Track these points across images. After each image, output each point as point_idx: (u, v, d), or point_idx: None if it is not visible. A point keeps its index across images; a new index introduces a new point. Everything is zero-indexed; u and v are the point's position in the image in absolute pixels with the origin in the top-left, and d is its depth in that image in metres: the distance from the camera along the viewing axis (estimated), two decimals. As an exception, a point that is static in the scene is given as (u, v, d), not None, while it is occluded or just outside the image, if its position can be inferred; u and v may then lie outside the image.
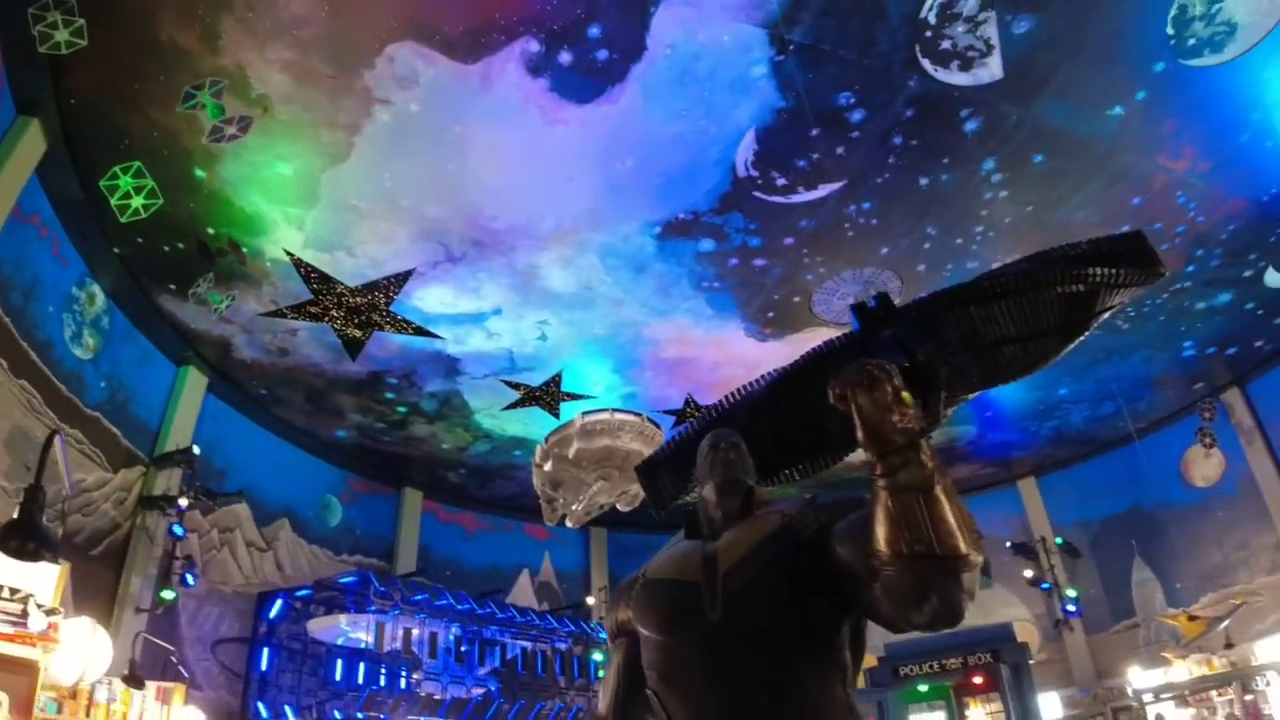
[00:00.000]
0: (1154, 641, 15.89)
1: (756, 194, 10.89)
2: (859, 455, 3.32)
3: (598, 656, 17.12)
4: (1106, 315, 3.33)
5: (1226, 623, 13.73)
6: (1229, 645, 13.52)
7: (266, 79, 9.52)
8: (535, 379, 14.56)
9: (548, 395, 14.89)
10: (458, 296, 12.62)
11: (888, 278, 12.12)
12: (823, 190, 10.85)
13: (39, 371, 9.73)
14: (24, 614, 4.77)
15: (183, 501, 11.35)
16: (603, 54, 9.29)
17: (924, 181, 10.82)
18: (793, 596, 2.36)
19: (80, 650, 5.17)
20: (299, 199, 10.96)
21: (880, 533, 1.98)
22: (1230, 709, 12.17)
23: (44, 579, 5.21)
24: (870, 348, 2.91)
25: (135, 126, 9.77)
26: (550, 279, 12.37)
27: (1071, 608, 16.38)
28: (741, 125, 10.03)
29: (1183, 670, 13.28)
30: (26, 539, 4.22)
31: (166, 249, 11.33)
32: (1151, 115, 10.15)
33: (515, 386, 14.76)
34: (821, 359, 3.29)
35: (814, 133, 9.82)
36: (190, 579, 11.39)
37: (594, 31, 9.10)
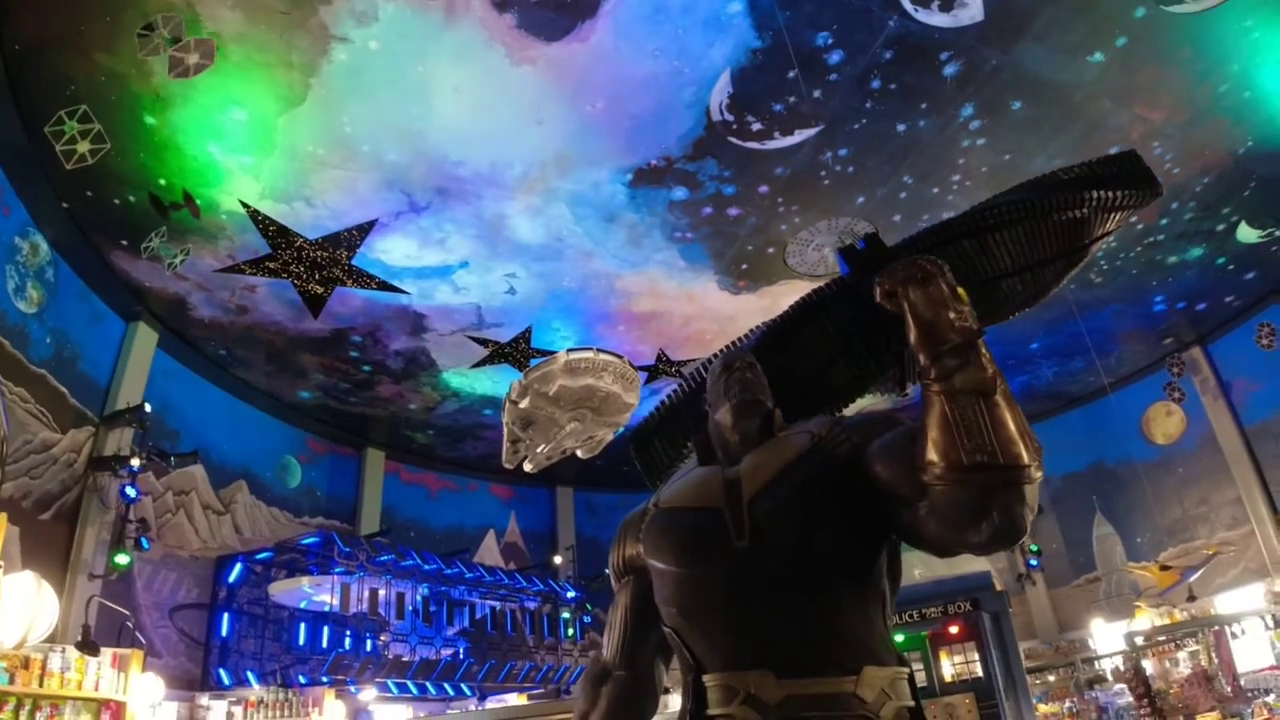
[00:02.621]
0: (1114, 595, 16.19)
1: (731, 139, 10.59)
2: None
3: (566, 615, 17.01)
4: (1103, 240, 3.15)
5: (1200, 572, 13.89)
6: (1191, 598, 13.69)
7: (218, 15, 9.00)
8: (504, 334, 14.23)
9: (517, 352, 14.57)
10: (423, 249, 12.24)
11: (863, 227, 11.90)
12: (799, 136, 10.57)
13: None
14: None
15: (135, 462, 10.86)
16: (572, -12, 8.90)
17: (901, 128, 10.59)
18: (827, 520, 2.17)
19: (23, 608, 4.78)
20: (254, 146, 10.48)
21: (934, 443, 1.81)
22: (1197, 660, 12.28)
23: None
24: (861, 293, 2.73)
25: (81, 70, 9.23)
26: (518, 230, 12.01)
27: (1034, 562, 16.54)
28: (716, 66, 9.70)
29: (1144, 622, 13.41)
30: None
31: (117, 201, 10.81)
32: (1130, 62, 9.98)
33: (484, 343, 14.42)
34: (809, 309, 3.11)
35: (791, 74, 9.51)
36: (145, 543, 10.96)
37: (562, -37, 8.71)
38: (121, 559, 10.60)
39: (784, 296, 13.12)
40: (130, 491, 10.86)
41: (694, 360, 14.97)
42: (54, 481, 10.51)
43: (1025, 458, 1.76)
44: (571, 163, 10.98)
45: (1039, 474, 1.80)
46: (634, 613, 2.61)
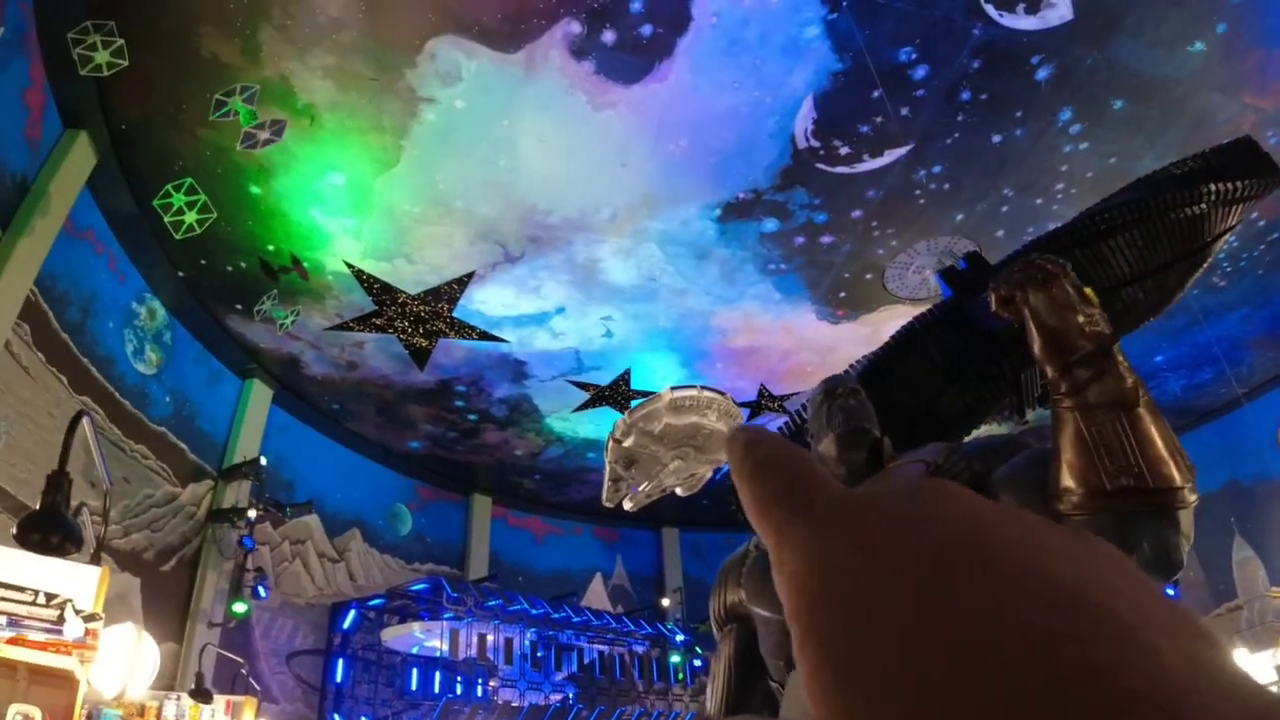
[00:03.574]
0: (1258, 624, 14.88)
1: (819, 165, 10.38)
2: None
3: (675, 659, 16.69)
4: (1226, 237, 2.87)
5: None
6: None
7: (310, 87, 9.45)
8: (603, 378, 14.26)
9: (617, 394, 14.56)
10: (519, 297, 12.41)
11: (964, 246, 11.44)
12: (889, 156, 10.28)
13: (100, 387, 9.79)
14: (60, 620, 4.53)
15: (252, 513, 11.33)
16: (647, 29, 8.95)
17: (997, 139, 10.17)
18: None
19: (122, 659, 4.91)
20: (353, 208, 10.89)
21: (1069, 467, 1.61)
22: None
23: (83, 583, 4.99)
24: (968, 315, 2.56)
25: (184, 144, 9.81)
26: (611, 272, 12.05)
27: (1170, 591, 15.30)
28: (798, 93, 9.56)
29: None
30: (49, 531, 3.92)
31: (229, 268, 11.40)
32: (1234, 49, 9.37)
33: (584, 387, 14.48)
34: (911, 337, 2.92)
35: (875, 94, 9.28)
36: (262, 591, 11.36)
37: (636, 6, 8.76)
38: (239, 607, 11.01)
39: (886, 323, 12.70)
40: (248, 542, 11.33)
41: (797, 394, 14.64)
42: (175, 534, 11.05)
43: (1178, 478, 1.57)
44: (659, 202, 10.97)
45: (1194, 497, 1.59)
46: (738, 664, 2.45)
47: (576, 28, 8.99)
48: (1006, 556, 0.30)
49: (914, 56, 9.16)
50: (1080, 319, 1.64)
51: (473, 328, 12.92)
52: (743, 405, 14.56)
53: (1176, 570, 1.64)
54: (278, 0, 8.74)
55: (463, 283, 12.12)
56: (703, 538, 19.20)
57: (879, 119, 9.76)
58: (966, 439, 2.85)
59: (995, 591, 0.28)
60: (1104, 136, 10.21)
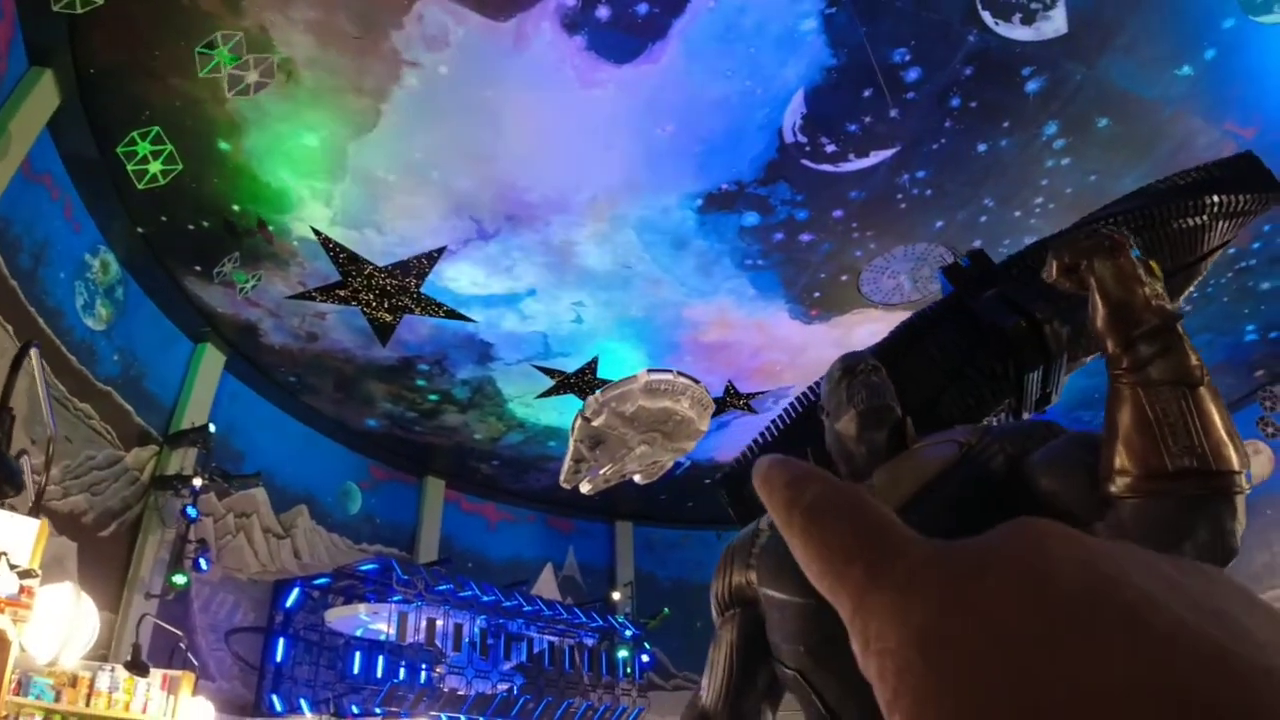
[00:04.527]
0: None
1: (804, 162, 10.30)
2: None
3: (623, 653, 16.56)
4: (1219, 252, 2.83)
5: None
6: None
7: (290, 40, 9.12)
8: (570, 364, 14.06)
9: (583, 382, 14.37)
10: (490, 276, 12.16)
11: (941, 254, 11.46)
12: (875, 158, 10.24)
13: (47, 339, 9.33)
14: None
15: (197, 482, 10.91)
16: (643, 8, 8.77)
17: (982, 148, 10.18)
18: None
19: (59, 621, 4.58)
20: (326, 172, 10.57)
21: (1127, 446, 1.53)
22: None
23: (19, 535, 4.65)
24: (973, 313, 2.49)
25: (155, 93, 9.42)
26: (586, 256, 11.87)
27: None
28: (789, 86, 9.46)
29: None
30: None
31: (191, 227, 11.00)
32: (1220, 76, 9.49)
33: (550, 373, 14.26)
34: (912, 336, 2.82)
35: (866, 94, 9.23)
36: (204, 564, 10.97)
37: (633, -17, 8.60)
38: (179, 579, 10.59)
39: (857, 327, 12.72)
40: (191, 511, 10.90)
41: (764, 393, 14.59)
42: (115, 498, 10.60)
43: (1236, 462, 1.48)
44: (641, 188, 10.81)
45: (1247, 485, 1.51)
46: (741, 651, 2.29)
47: (570, 1, 8.80)
48: (1144, 610, 0.27)
49: (908, 58, 9.12)
50: (1145, 291, 1.57)
51: (440, 305, 12.64)
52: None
53: (1232, 557, 1.56)
54: (263, -53, 8.43)
55: (433, 258, 11.84)
56: (657, 533, 19.12)
57: (868, 119, 9.72)
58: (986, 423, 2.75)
59: (1145, 654, 0.26)
60: (1087, 153, 10.27)
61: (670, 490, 15.78)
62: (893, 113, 9.59)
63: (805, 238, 11.45)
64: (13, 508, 5.15)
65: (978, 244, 11.32)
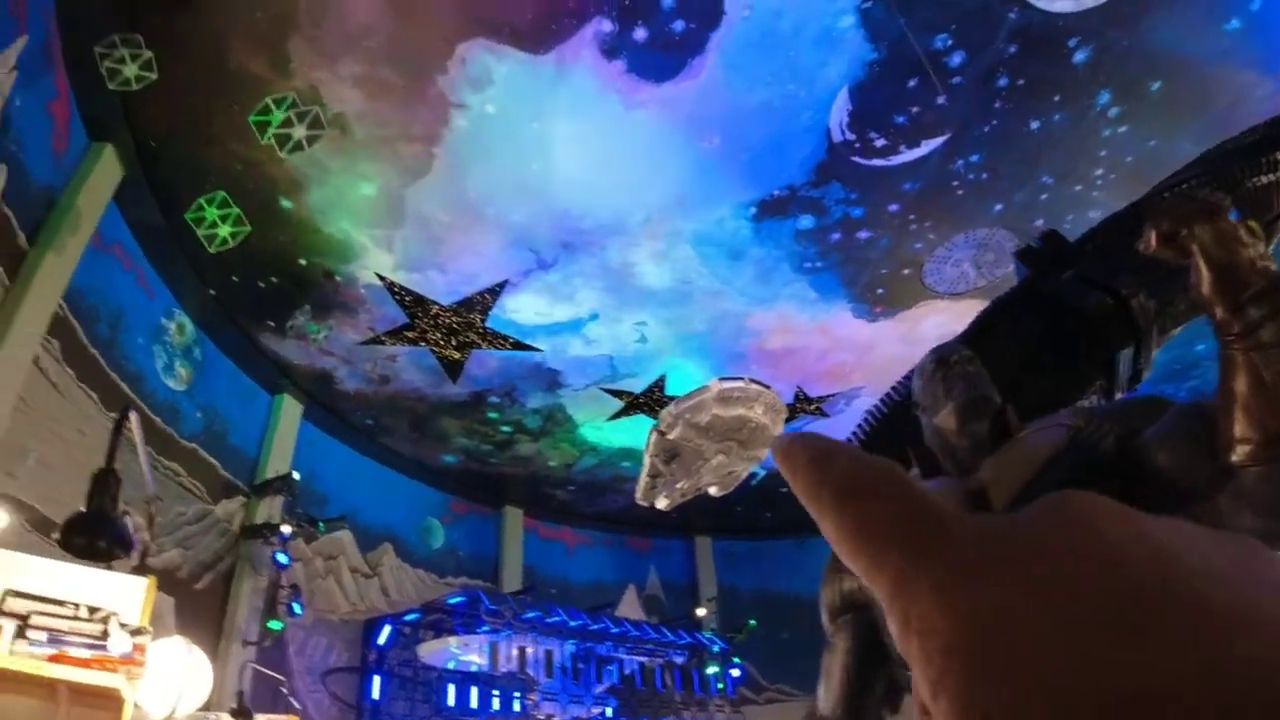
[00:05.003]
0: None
1: (854, 159, 10.26)
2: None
3: (713, 669, 16.43)
4: None
5: None
6: None
7: (340, 96, 9.43)
8: (637, 384, 14.12)
9: (652, 401, 14.42)
10: (552, 304, 12.32)
11: (1003, 238, 11.26)
12: (926, 147, 10.14)
13: (132, 404, 9.67)
14: (104, 635, 4.33)
15: (285, 529, 11.23)
16: (679, 25, 8.88)
17: (1035, 125, 10.00)
18: None
19: (172, 675, 4.70)
20: (386, 219, 10.85)
21: (1245, 412, 1.49)
22: None
23: (128, 595, 4.80)
24: (1051, 296, 2.43)
25: (215, 158, 9.80)
26: (645, 276, 11.94)
27: None
28: (832, 85, 9.45)
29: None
30: (97, 534, 3.70)
31: (261, 284, 11.38)
32: (1269, 26, 9.16)
33: (618, 394, 14.34)
34: (989, 324, 2.77)
35: (911, 84, 9.17)
36: (297, 608, 11.25)
37: (668, 2, 8.69)
38: (275, 624, 10.88)
39: (924, 320, 12.53)
40: (282, 558, 11.22)
41: (834, 396, 14.45)
42: (208, 551, 10.96)
43: None
44: (693, 202, 10.86)
45: None
46: (857, 657, 2.25)
47: (608, 26, 8.94)
48: (1209, 590, 0.26)
49: (950, 43, 9.04)
50: (1249, 253, 1.52)
51: (505, 337, 12.83)
52: (779, 408, 14.41)
53: None
54: (305, 10, 8.73)
55: (495, 292, 12.05)
56: (736, 545, 18.97)
57: (915, 108, 9.64)
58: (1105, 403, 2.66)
59: (1213, 638, 0.25)
60: (1142, 119, 10.01)
61: (746, 502, 15.69)
62: (940, 99, 9.50)
63: (862, 235, 11.37)
64: (110, 567, 5.35)
65: (1039, 223, 11.09)
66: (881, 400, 3.12)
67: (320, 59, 9.14)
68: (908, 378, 2.70)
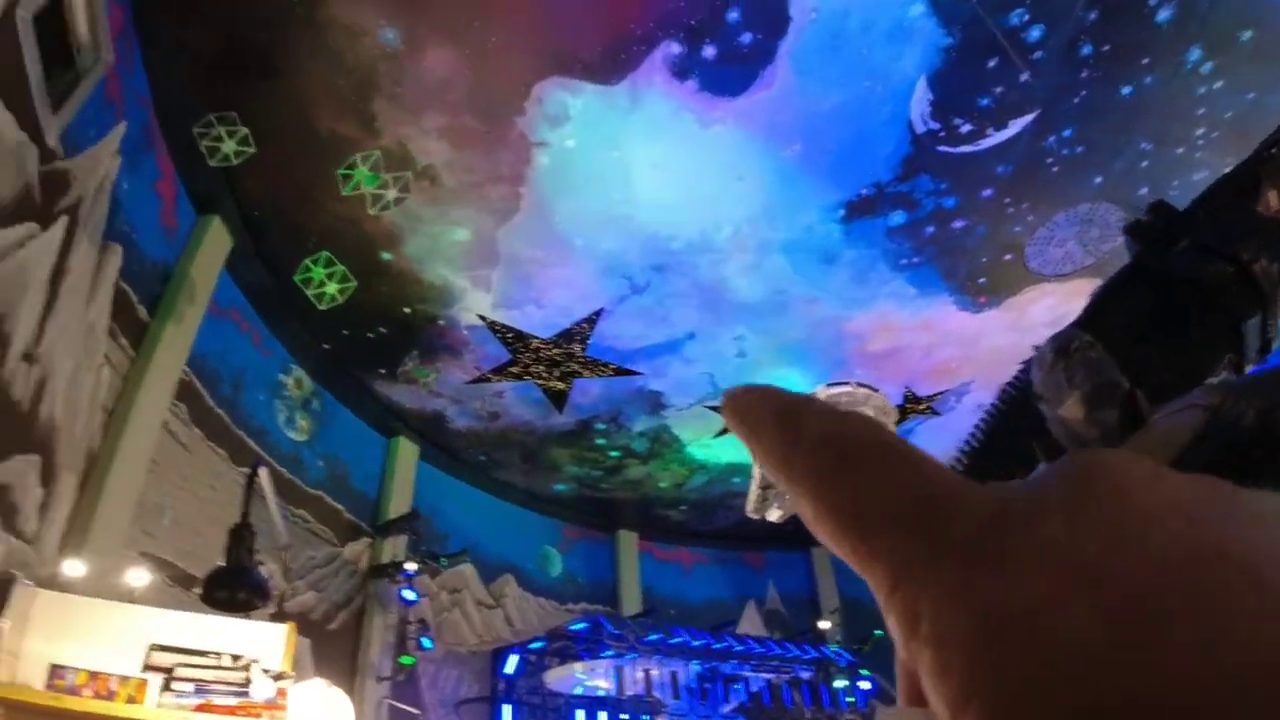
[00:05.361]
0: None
1: (941, 149, 10.03)
2: None
3: (840, 683, 16.03)
4: None
5: None
6: None
7: (426, 148, 9.80)
8: (741, 399, 14.06)
9: (756, 414, 14.33)
10: (649, 327, 12.43)
11: (1106, 211, 10.79)
12: (1014, 127, 9.84)
13: (257, 457, 10.23)
14: (247, 682, 4.57)
15: (410, 566, 11.64)
16: (746, 37, 8.90)
17: (1126, 91, 9.59)
18: None
19: (314, 716, 4.92)
20: (481, 261, 11.18)
21: None
22: None
23: (268, 641, 5.06)
24: (1168, 272, 2.31)
25: (316, 220, 10.30)
26: (738, 290, 11.94)
27: None
28: (909, 76, 9.29)
29: None
30: (237, 586, 3.93)
31: (370, 335, 11.86)
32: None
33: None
34: (1106, 305, 2.64)
35: (991, 64, 8.93)
36: (426, 642, 11.64)
37: (733, 16, 8.73)
38: (407, 659, 11.27)
39: (1031, 305, 12.11)
40: (408, 594, 11.62)
41: (944, 393, 14.08)
42: (339, 592, 11.46)
43: None
44: (779, 211, 10.82)
45: None
46: None
47: (676, 48, 9.03)
48: (1256, 559, 0.21)
49: (1026, 18, 8.77)
50: None
51: (606, 364, 13.00)
52: (888, 410, 14.10)
53: None
54: (385, 71, 9.11)
55: (592, 320, 12.24)
56: None
57: (999, 89, 9.38)
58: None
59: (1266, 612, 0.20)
60: (1238, 72, 9.47)
61: (865, 507, 15.39)
62: (1023, 76, 9.22)
63: (957, 225, 11.09)
64: (249, 615, 5.64)
65: (1143, 192, 10.62)
66: (999, 396, 3.02)
67: (404, 115, 9.52)
68: (1024, 370, 2.61)
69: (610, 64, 9.17)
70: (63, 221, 7.15)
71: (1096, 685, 0.20)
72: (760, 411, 0.32)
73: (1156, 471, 0.25)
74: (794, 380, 13.62)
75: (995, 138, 9.94)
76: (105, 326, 7.99)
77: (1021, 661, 0.22)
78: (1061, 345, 2.23)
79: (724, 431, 14.66)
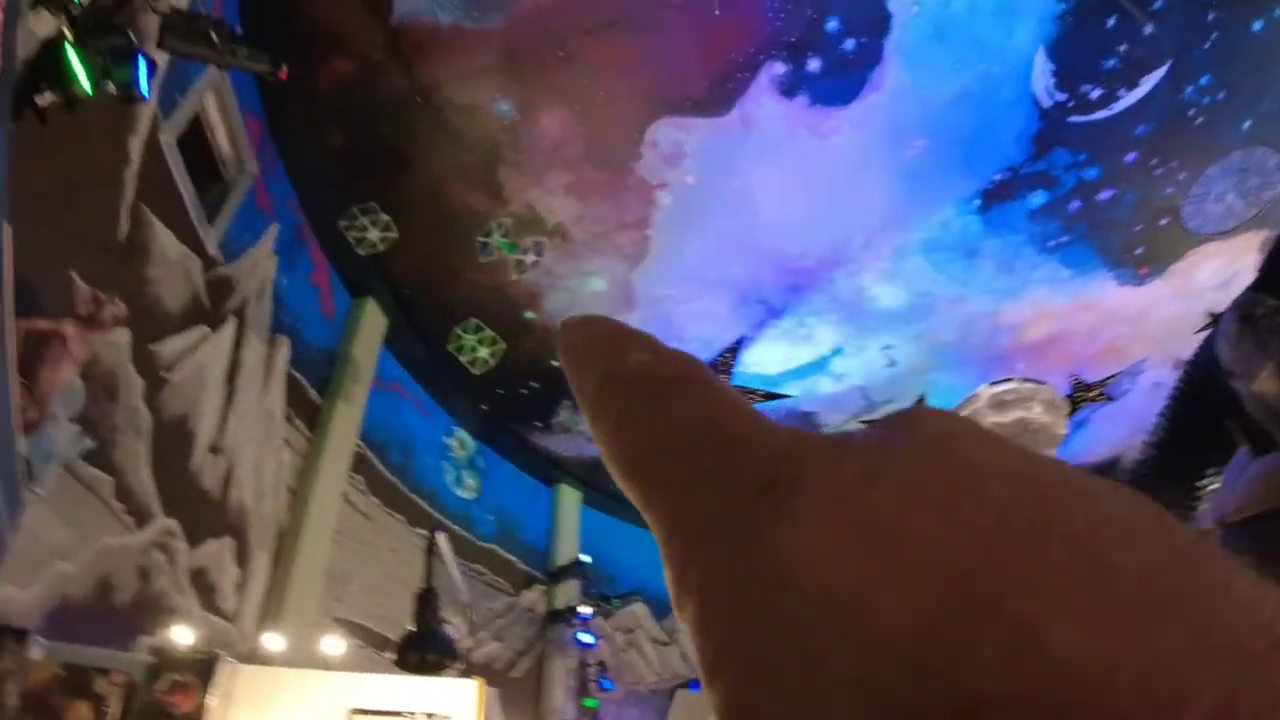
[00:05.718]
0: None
1: (1073, 119, 9.60)
2: None
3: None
4: None
5: None
6: None
7: (553, 207, 10.21)
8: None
9: (918, 424, 13.90)
10: (792, 348, 12.35)
11: (1263, 155, 9.98)
12: (1146, 84, 9.31)
13: (432, 518, 10.85)
14: None
15: (584, 610, 11.91)
16: (849, 44, 8.87)
17: (1258, 26, 8.92)
18: None
19: None
20: (619, 307, 11.44)
21: None
22: None
23: (460, 698, 5.27)
24: None
25: (461, 291, 10.87)
26: (879, 299, 11.71)
27: None
28: (1026, 50, 8.99)
29: None
30: (427, 649, 4.12)
31: (524, 391, 12.30)
32: None
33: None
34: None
35: (1110, 23, 8.53)
36: (608, 684, 11.82)
37: (832, 25, 8.74)
38: (590, 702, 11.48)
39: (1197, 269, 11.27)
40: (585, 637, 11.89)
41: (1115, 375, 13.23)
42: (519, 640, 11.87)
43: None
44: (911, 212, 10.59)
45: None
46: None
47: (780, 68, 9.10)
48: (1098, 541, 0.18)
49: (1143, -31, 8.37)
50: None
51: (754, 390, 12.96)
52: (1058, 401, 13.37)
53: None
54: (506, 141, 9.59)
55: (734, 350, 12.28)
56: None
57: (1123, 47, 8.93)
58: None
59: (1124, 614, 0.17)
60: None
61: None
62: (1146, 29, 8.75)
63: (1104, 196, 10.51)
64: (446, 671, 5.90)
65: (1309, 127, 9.80)
66: (1180, 378, 2.82)
67: (528, 179, 9.97)
68: (1206, 345, 2.45)
69: (717, 96, 9.32)
70: (232, 322, 7.87)
71: (881, 659, 0.17)
72: (586, 346, 0.29)
73: (986, 432, 0.21)
74: (951, 382, 13.14)
75: (1128, 98, 9.42)
76: (281, 412, 8.69)
77: (789, 618, 0.19)
78: (1245, 313, 2.03)
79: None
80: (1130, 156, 10.06)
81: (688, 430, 0.24)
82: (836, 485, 0.20)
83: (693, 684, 13.59)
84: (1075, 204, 10.56)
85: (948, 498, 0.19)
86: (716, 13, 8.68)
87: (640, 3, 8.60)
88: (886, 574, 0.18)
